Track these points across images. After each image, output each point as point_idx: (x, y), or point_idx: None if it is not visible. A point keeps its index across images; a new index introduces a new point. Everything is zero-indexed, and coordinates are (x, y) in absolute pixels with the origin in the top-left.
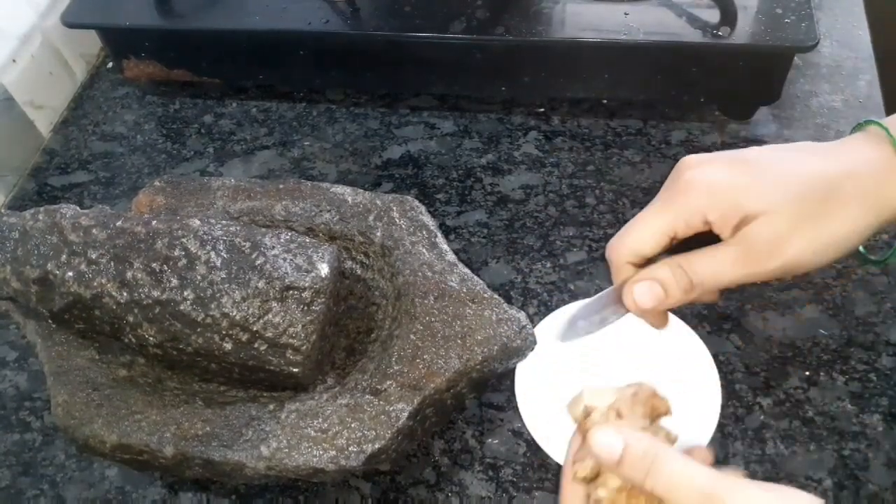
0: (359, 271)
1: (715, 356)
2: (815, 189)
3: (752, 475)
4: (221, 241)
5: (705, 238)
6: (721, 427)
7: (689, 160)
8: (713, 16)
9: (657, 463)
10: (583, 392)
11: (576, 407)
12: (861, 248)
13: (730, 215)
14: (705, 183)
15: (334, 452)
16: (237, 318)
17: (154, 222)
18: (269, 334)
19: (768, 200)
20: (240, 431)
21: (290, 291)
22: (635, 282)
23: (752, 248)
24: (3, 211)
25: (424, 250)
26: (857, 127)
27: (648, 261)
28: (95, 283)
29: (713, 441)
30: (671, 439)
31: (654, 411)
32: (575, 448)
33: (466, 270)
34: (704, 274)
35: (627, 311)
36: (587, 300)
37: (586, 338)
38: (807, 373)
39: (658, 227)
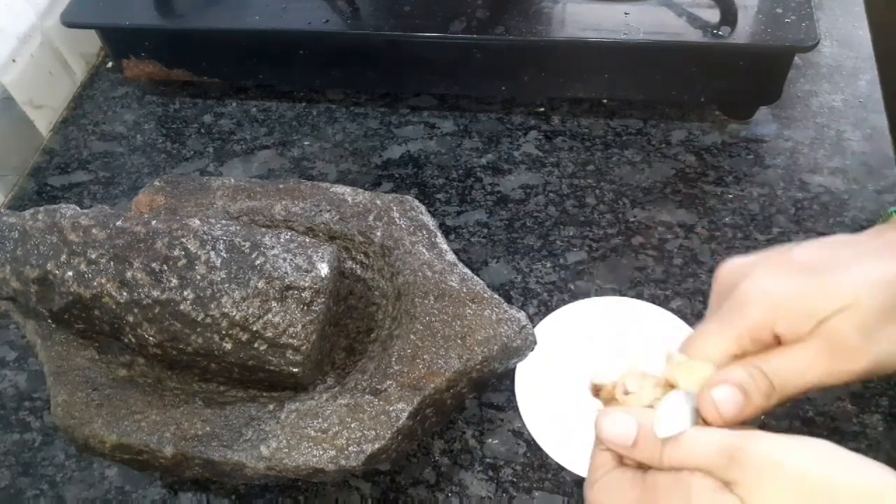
0: (359, 271)
1: None
2: (889, 282)
3: None
4: (221, 241)
5: None
6: None
7: (734, 269)
8: (713, 15)
9: (670, 439)
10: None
11: (590, 384)
12: None
13: (802, 324)
14: (767, 295)
15: (334, 452)
16: (237, 317)
17: (154, 222)
18: (268, 334)
19: (845, 297)
20: (239, 431)
21: (290, 291)
22: (713, 385)
23: (836, 343)
24: (2, 211)
25: (424, 250)
26: (887, 216)
27: None
28: (95, 283)
29: None
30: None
31: (668, 383)
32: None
33: (466, 270)
34: (786, 375)
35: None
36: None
37: (586, 339)
38: None
39: (723, 347)
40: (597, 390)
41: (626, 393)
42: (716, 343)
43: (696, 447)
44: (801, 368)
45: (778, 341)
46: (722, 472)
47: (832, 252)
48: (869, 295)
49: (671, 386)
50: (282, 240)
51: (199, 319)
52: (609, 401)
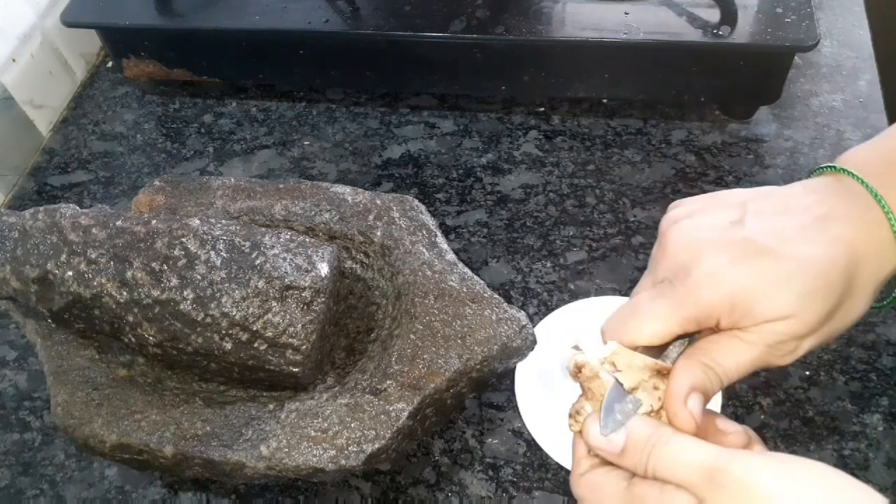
0: (359, 271)
1: None
2: (830, 287)
3: None
4: (221, 241)
5: None
6: None
7: (687, 241)
8: (713, 15)
9: (657, 448)
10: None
11: (570, 363)
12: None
13: (747, 321)
14: (721, 288)
15: (334, 452)
16: (237, 317)
17: (154, 222)
18: (268, 334)
19: (788, 308)
20: (239, 431)
21: (290, 291)
22: (680, 395)
23: (773, 349)
24: (2, 210)
25: (424, 250)
26: (819, 171)
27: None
28: (95, 283)
29: None
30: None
31: (656, 367)
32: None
33: (466, 270)
34: (729, 368)
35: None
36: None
37: (587, 339)
38: (807, 373)
39: (669, 329)
40: (578, 369)
41: (616, 371)
42: (665, 324)
43: (681, 462)
44: (742, 366)
45: (718, 325)
46: (700, 490)
47: (781, 225)
48: (809, 309)
49: (658, 372)
50: (282, 239)
51: (199, 319)
52: (590, 379)
